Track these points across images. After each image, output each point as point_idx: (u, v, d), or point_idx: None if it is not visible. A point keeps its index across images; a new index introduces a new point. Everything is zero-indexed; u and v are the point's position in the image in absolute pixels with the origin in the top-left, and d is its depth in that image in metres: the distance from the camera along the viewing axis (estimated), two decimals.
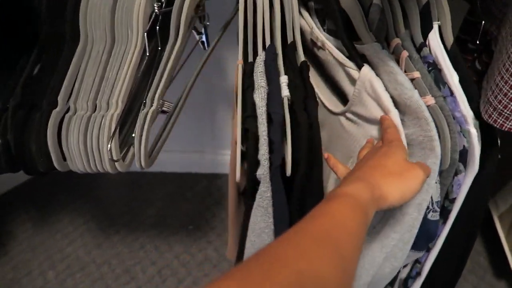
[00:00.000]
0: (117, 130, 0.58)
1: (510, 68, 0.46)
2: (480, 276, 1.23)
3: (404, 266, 0.60)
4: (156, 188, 1.55)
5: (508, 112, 0.48)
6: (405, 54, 0.51)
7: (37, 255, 1.34)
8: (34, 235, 1.41)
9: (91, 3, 0.60)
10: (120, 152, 0.58)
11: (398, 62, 0.52)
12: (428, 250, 0.59)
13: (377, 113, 0.48)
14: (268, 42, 0.56)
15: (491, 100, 0.50)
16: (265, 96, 0.52)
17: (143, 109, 0.62)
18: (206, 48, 0.70)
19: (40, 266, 1.31)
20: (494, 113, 0.50)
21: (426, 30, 0.53)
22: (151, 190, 1.54)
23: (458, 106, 0.50)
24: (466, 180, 0.52)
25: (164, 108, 0.68)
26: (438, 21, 0.53)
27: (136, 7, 0.59)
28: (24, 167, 0.59)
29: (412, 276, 0.65)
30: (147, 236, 1.40)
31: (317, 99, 0.56)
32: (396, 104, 0.48)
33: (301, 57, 0.56)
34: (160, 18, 0.61)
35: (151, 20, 0.61)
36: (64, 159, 0.58)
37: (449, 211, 0.54)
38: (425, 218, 0.50)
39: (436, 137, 0.45)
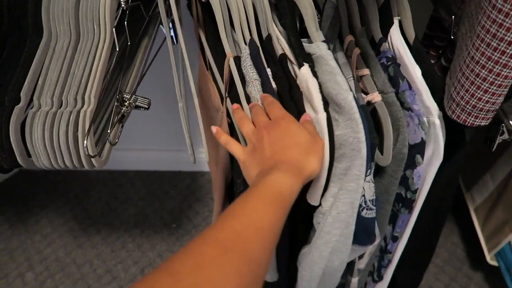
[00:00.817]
0: (92, 127, 0.57)
1: (470, 64, 0.47)
2: (457, 268, 1.25)
3: (360, 258, 0.61)
4: (137, 187, 1.54)
5: (470, 107, 0.49)
6: (357, 51, 0.52)
7: (15, 257, 1.32)
8: (12, 237, 1.38)
9: None
10: (96, 149, 0.58)
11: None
12: (396, 239, 0.59)
13: (311, 114, 0.50)
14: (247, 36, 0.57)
15: (453, 96, 0.51)
16: (261, 89, 0.53)
17: (118, 106, 0.61)
18: (176, 43, 0.70)
19: (18, 268, 1.29)
20: (457, 108, 0.51)
21: (386, 25, 0.54)
22: (133, 189, 1.53)
23: (416, 99, 0.51)
24: (431, 170, 0.53)
25: (138, 103, 0.68)
26: (398, 16, 0.54)
27: (102, 1, 0.58)
28: None
29: (383, 265, 0.67)
30: (129, 235, 1.38)
31: None
32: (334, 104, 0.49)
33: (279, 50, 0.56)
34: (127, 13, 0.61)
35: (119, 15, 0.60)
36: (29, 155, 0.57)
37: (412, 201, 0.55)
38: (360, 215, 0.52)
39: (363, 139, 0.46)
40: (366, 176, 0.49)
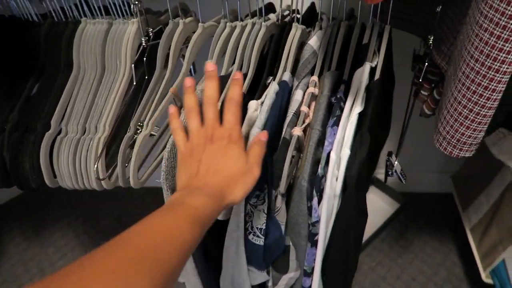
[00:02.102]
0: (104, 152, 0.64)
1: (454, 104, 0.52)
2: (456, 286, 1.28)
3: (275, 285, 0.63)
4: (148, 202, 1.60)
5: (454, 141, 0.54)
6: (309, 90, 0.59)
7: (29, 269, 1.38)
8: (26, 249, 1.45)
9: (84, 37, 0.67)
10: (106, 171, 0.64)
11: None
12: (308, 275, 0.62)
13: None
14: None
15: (440, 130, 0.56)
16: None
17: (130, 132, 0.68)
18: (193, 74, 0.77)
19: (31, 279, 1.35)
20: (444, 141, 0.56)
21: (356, 68, 0.60)
22: (143, 204, 1.59)
23: (332, 136, 0.55)
24: (323, 203, 0.55)
25: (152, 132, 0.75)
26: (371, 61, 0.60)
27: (125, 40, 0.66)
28: (18, 183, 0.65)
29: None
30: None
31: None
32: None
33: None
34: (147, 50, 0.68)
35: (139, 51, 0.68)
36: (55, 176, 0.64)
37: (314, 235, 0.57)
38: (247, 238, 0.57)
39: None
40: (255, 203, 0.55)
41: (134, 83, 0.67)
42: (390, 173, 0.67)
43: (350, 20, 0.69)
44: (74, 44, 0.66)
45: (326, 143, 0.56)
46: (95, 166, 0.62)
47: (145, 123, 0.65)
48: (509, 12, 0.39)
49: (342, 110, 0.59)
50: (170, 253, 0.33)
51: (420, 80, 0.68)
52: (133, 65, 0.66)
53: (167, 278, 0.32)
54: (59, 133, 0.65)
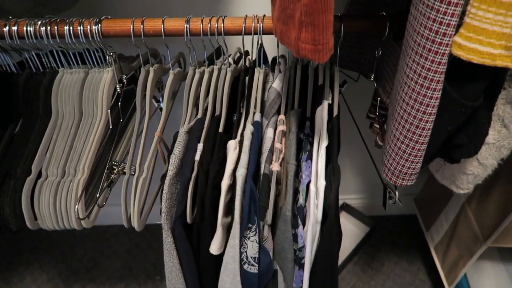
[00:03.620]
0: (83, 193, 0.67)
1: (393, 140, 0.59)
2: None
3: None
4: (122, 241, 1.59)
5: (397, 172, 0.61)
6: (279, 128, 0.67)
7: None
8: None
9: (61, 85, 0.71)
10: (86, 211, 0.67)
11: None
12: None
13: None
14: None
15: (385, 163, 0.63)
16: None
17: (107, 173, 0.72)
18: (160, 111, 0.82)
19: None
20: (389, 173, 0.63)
21: (317, 106, 0.68)
22: (117, 243, 1.58)
23: (309, 169, 0.63)
24: (308, 230, 0.61)
25: (125, 170, 0.79)
26: (328, 99, 0.68)
27: (101, 87, 0.71)
28: None
29: None
30: None
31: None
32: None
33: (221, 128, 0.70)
34: (122, 94, 0.74)
35: (114, 97, 0.73)
36: (36, 219, 0.67)
37: (301, 258, 0.63)
38: (242, 268, 0.62)
39: (239, 207, 0.59)
40: (248, 235, 0.61)
41: (110, 127, 0.71)
42: (392, 200, 0.72)
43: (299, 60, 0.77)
44: (53, 92, 0.70)
45: (303, 176, 0.63)
46: (76, 207, 0.65)
47: (140, 166, 0.71)
48: (428, 66, 0.47)
49: (311, 144, 0.67)
50: None
51: (371, 111, 0.76)
52: (109, 110, 0.71)
53: None
54: (39, 176, 0.68)
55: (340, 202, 1.58)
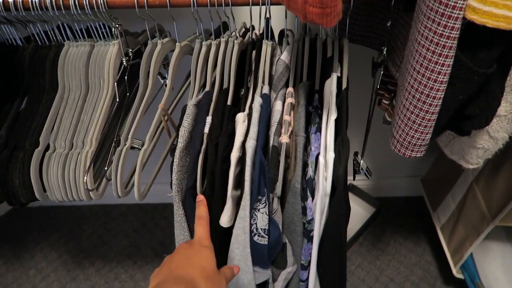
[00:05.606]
0: (92, 165, 0.68)
1: (403, 111, 0.59)
2: (431, 284, 1.35)
3: (274, 281, 0.69)
4: (129, 220, 1.61)
5: (406, 143, 0.61)
6: (288, 100, 0.66)
7: None
8: (7, 273, 1.43)
9: (67, 59, 0.71)
10: (94, 183, 0.68)
11: None
12: (305, 268, 0.68)
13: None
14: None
15: (394, 134, 0.63)
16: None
17: (115, 146, 0.72)
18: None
19: None
20: (398, 144, 0.62)
21: (326, 79, 0.67)
22: (125, 222, 1.61)
23: (318, 141, 0.62)
24: (317, 203, 0.61)
25: (133, 145, 0.79)
26: (337, 71, 0.67)
27: (107, 61, 0.70)
28: (7, 198, 0.67)
29: None
30: (121, 267, 1.45)
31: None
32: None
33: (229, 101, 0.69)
34: (128, 69, 0.73)
35: (121, 70, 0.73)
36: (44, 190, 0.67)
37: (309, 231, 0.63)
38: (252, 240, 0.63)
39: (248, 178, 0.59)
40: (258, 207, 0.61)
41: (117, 100, 0.71)
42: (357, 171, 0.73)
43: (307, 33, 0.76)
44: (59, 65, 0.70)
45: (312, 148, 0.62)
46: (85, 178, 0.65)
47: (131, 138, 0.70)
48: (440, 31, 0.46)
49: (320, 117, 0.66)
50: None
51: (380, 88, 0.75)
52: (115, 83, 0.71)
53: None
54: (47, 149, 0.68)
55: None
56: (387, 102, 0.84)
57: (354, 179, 0.76)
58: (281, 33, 0.77)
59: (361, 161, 0.72)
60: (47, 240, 1.55)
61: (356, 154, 0.76)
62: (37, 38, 0.74)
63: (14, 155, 0.67)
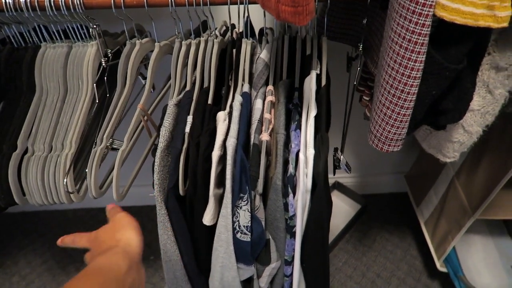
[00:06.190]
0: (71, 167, 0.67)
1: (379, 106, 0.60)
2: (416, 279, 1.37)
3: (259, 277, 0.70)
4: None
5: (383, 138, 0.62)
6: (268, 99, 0.66)
7: None
8: None
9: (45, 60, 0.70)
10: (75, 185, 0.67)
11: None
12: (289, 263, 0.69)
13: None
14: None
15: (372, 129, 0.64)
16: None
17: (94, 148, 0.71)
18: (152, 91, 0.81)
19: None
20: (375, 139, 0.63)
21: (305, 76, 0.68)
22: None
23: (298, 138, 0.63)
24: (298, 199, 0.62)
25: (114, 146, 0.78)
26: (317, 69, 0.68)
27: (86, 62, 0.70)
28: None
29: None
30: None
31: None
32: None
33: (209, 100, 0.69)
34: (107, 70, 0.73)
35: (99, 71, 0.72)
36: (24, 194, 0.66)
37: (292, 227, 0.64)
38: (235, 237, 0.63)
39: (229, 176, 0.59)
40: (240, 205, 0.61)
41: (97, 102, 0.71)
42: (337, 166, 0.74)
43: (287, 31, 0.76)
44: (36, 67, 0.69)
45: (292, 145, 0.63)
46: (65, 180, 0.64)
47: (104, 137, 0.69)
48: (411, 28, 0.47)
49: (300, 114, 0.66)
50: None
51: (360, 84, 0.76)
52: (94, 84, 0.70)
53: None
54: (26, 152, 0.67)
55: (332, 181, 1.59)
56: (367, 99, 0.85)
57: (334, 174, 0.77)
58: (261, 31, 0.78)
59: (341, 156, 0.73)
60: (31, 245, 1.52)
61: (336, 150, 0.77)
62: (13, 40, 0.73)
63: None
